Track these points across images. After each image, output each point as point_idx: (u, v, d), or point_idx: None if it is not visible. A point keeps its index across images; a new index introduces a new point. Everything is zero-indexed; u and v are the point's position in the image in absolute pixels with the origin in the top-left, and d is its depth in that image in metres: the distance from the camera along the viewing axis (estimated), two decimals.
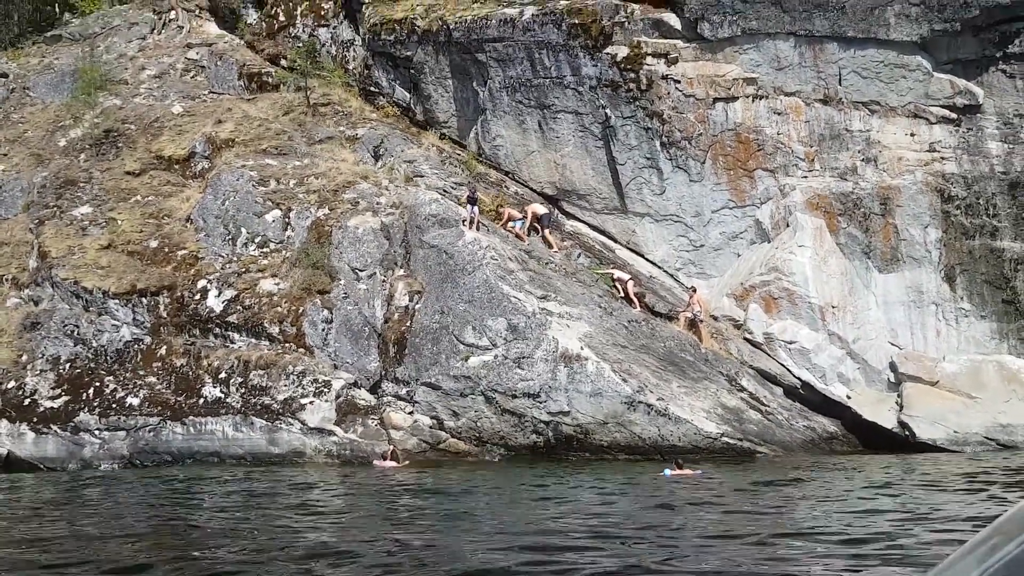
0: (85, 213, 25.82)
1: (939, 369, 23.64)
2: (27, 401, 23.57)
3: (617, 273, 24.64)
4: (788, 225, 24.49)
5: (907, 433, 22.86)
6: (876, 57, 23.93)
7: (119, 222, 25.37)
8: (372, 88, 28.49)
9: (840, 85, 24.28)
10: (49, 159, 27.32)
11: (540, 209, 25.28)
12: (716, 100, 24.69)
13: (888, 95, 24.12)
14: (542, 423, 21.61)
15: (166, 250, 25.07)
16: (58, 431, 23.19)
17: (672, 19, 25.01)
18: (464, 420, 22.05)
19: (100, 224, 25.55)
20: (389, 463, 20.82)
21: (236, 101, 28.32)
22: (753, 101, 24.64)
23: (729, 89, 24.64)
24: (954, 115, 23.96)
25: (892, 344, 24.18)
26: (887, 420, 23.41)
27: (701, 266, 25.52)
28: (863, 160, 24.27)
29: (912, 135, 24.11)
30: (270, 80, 28.96)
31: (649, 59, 24.78)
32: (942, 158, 23.89)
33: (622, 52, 24.99)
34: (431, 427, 22.30)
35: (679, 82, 24.77)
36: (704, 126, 24.75)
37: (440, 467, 20.44)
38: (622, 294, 24.18)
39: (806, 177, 24.59)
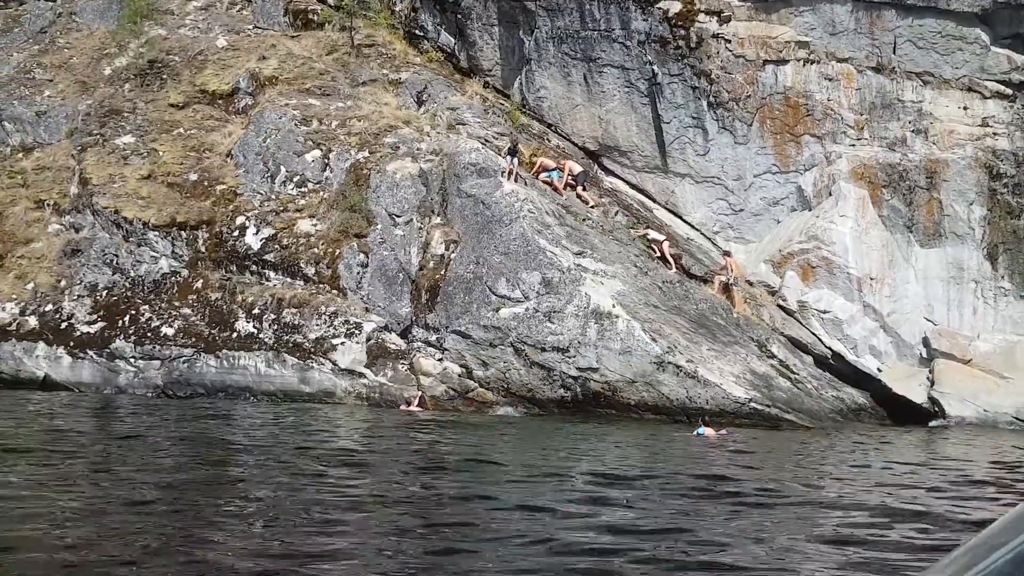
0: (128, 143, 25.94)
1: (973, 347, 23.46)
2: (64, 325, 23.94)
3: (652, 234, 24.52)
4: (831, 194, 24.21)
5: (936, 409, 22.80)
6: (934, 27, 23.41)
7: (160, 153, 25.48)
8: (417, 32, 28.25)
9: (894, 54, 23.81)
10: (94, 87, 27.40)
11: (576, 167, 25.10)
12: (766, 62, 24.30)
13: (943, 67, 23.63)
14: (570, 378, 21.68)
15: (205, 184, 25.18)
16: (94, 356, 23.56)
17: None
18: (493, 370, 22.16)
19: (142, 154, 25.68)
20: (415, 408, 21.03)
21: (280, 37, 28.18)
22: (804, 65, 24.23)
23: (780, 52, 24.23)
24: (1009, 91, 23.48)
25: (927, 320, 23.98)
26: (917, 395, 23.33)
27: (740, 230, 25.32)
28: (913, 131, 23.86)
29: (965, 109, 23.65)
30: (315, 18, 28.76)
31: (701, 16, 24.38)
32: (994, 134, 23.44)
33: (675, 7, 24.59)
34: (460, 375, 22.43)
35: (730, 42, 24.37)
36: (753, 88, 24.39)
37: (462, 421, 20.47)
38: (658, 254, 24.10)
39: (853, 145, 24.23)
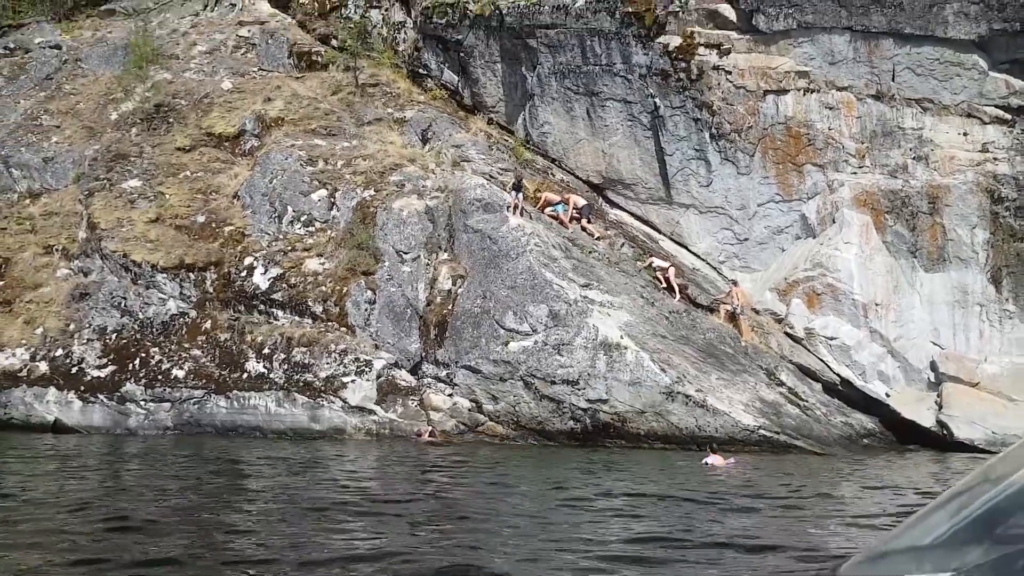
0: (134, 186, 26.15)
1: (980, 370, 23.55)
2: (74, 369, 23.99)
3: (656, 261, 24.68)
4: (834, 221, 24.39)
5: (945, 432, 22.84)
6: (932, 55, 23.72)
7: (167, 196, 25.68)
8: (421, 70, 28.61)
9: (893, 81, 24.10)
10: (101, 132, 27.66)
11: (580, 200, 25.29)
12: (767, 92, 24.59)
13: (942, 93, 23.91)
14: (580, 410, 21.75)
15: (213, 226, 25.35)
16: (104, 400, 23.59)
17: (727, 10, 24.89)
18: (503, 404, 22.22)
19: (149, 198, 25.87)
20: (427, 438, 21.16)
21: (285, 79, 28.52)
22: (804, 95, 24.51)
23: (780, 82, 24.52)
24: (1008, 116, 23.74)
25: (934, 344, 24.08)
26: (926, 419, 23.39)
27: (745, 259, 25.48)
28: (914, 158, 24.10)
29: (965, 134, 23.89)
30: (319, 59, 29.12)
31: (701, 49, 24.71)
32: (994, 159, 23.68)
33: (675, 42, 24.92)
34: (470, 410, 22.48)
35: (730, 73, 24.68)
36: (754, 119, 24.66)
37: (478, 450, 20.60)
38: (664, 284, 24.25)
39: (855, 173, 24.45)
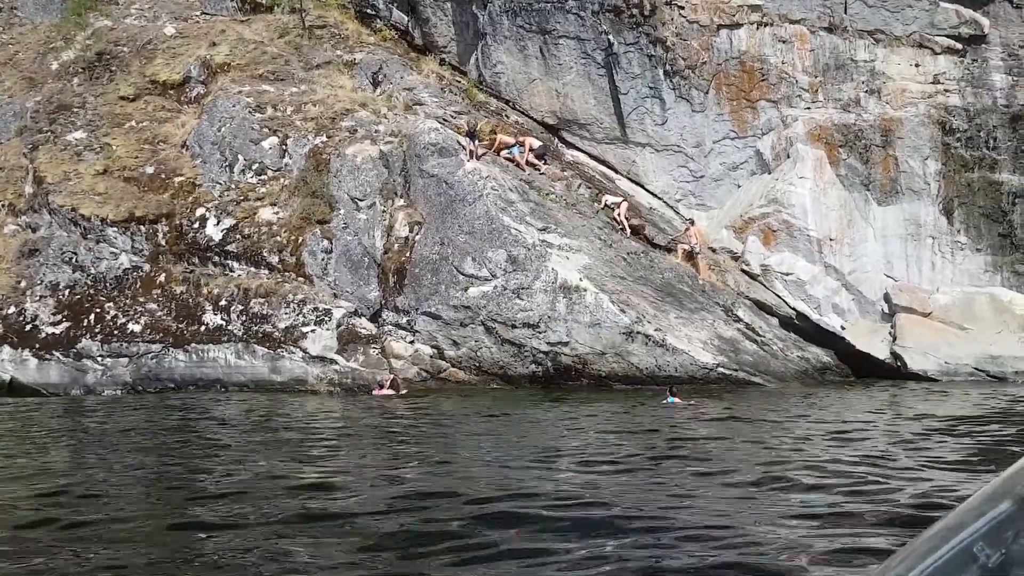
0: (80, 138, 25.52)
1: (932, 300, 23.93)
2: (28, 327, 23.67)
3: (608, 198, 24.63)
4: (789, 156, 24.45)
5: (899, 364, 23.28)
6: None
7: (114, 148, 25.11)
8: (369, 11, 27.95)
9: (846, 13, 24.00)
10: (42, 83, 26.86)
11: (535, 142, 25.08)
12: (720, 27, 24.38)
13: (893, 24, 23.88)
14: (541, 353, 21.87)
15: (163, 176, 24.88)
16: (60, 357, 23.34)
17: None
18: (464, 349, 22.28)
19: (95, 150, 25.29)
20: (388, 391, 21.06)
21: (230, 23, 27.77)
22: (758, 28, 24.35)
23: (734, 16, 24.32)
24: (959, 46, 23.79)
25: (888, 276, 24.42)
26: (880, 351, 23.79)
27: (701, 197, 25.52)
28: (867, 91, 24.14)
29: (916, 66, 23.95)
30: (264, 1, 28.35)
31: None
32: (946, 90, 23.79)
33: None
34: (431, 356, 22.53)
35: (683, 8, 24.41)
36: (708, 54, 24.48)
37: (441, 397, 20.62)
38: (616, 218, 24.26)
39: (809, 108, 24.46)
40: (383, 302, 23.09)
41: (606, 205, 24.53)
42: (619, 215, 24.24)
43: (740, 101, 24.73)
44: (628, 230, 24.16)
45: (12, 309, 23.85)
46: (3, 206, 25.11)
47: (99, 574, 5.67)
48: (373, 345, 22.54)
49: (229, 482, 8.98)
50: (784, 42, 24.33)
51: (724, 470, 9.16)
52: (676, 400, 17.74)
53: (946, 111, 23.83)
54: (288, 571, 5.54)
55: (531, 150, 24.74)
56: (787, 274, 24.11)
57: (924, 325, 23.71)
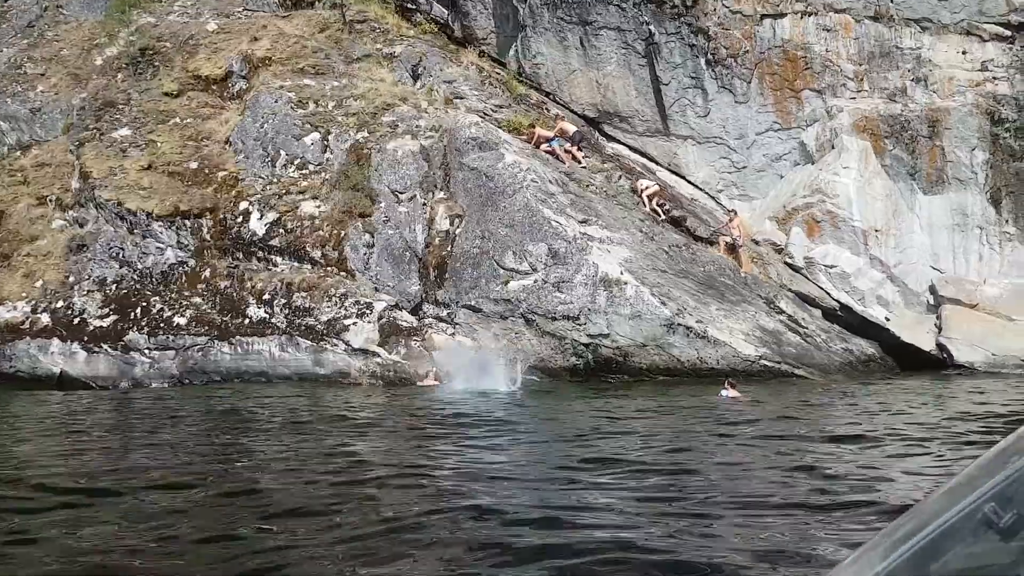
0: (125, 135, 25.85)
1: (979, 292, 23.59)
2: (76, 320, 24.06)
3: (643, 182, 24.49)
4: (833, 147, 24.17)
5: (945, 355, 22.98)
6: None
7: (159, 144, 25.42)
8: (409, 4, 28.00)
9: (891, 1, 23.61)
10: (87, 79, 27.23)
11: (570, 127, 25.03)
12: (764, 16, 24.12)
13: (940, 12, 23.46)
14: (582, 345, 21.86)
15: (206, 172, 25.16)
16: (109, 350, 23.71)
17: None
18: (504, 342, 22.32)
19: (140, 146, 25.61)
20: (431, 382, 21.24)
21: (271, 18, 27.95)
22: (802, 17, 24.05)
23: (778, 5, 24.06)
24: (1008, 32, 23.31)
25: (934, 268, 24.09)
26: (925, 342, 23.51)
27: (743, 188, 25.32)
28: (913, 80, 23.77)
29: (964, 53, 23.52)
30: None
31: None
32: (994, 78, 23.34)
33: None
34: (472, 349, 22.60)
35: None
36: (751, 43, 24.23)
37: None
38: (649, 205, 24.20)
39: (854, 98, 24.14)
40: (424, 295, 23.20)
41: (639, 189, 24.37)
42: (647, 198, 24.08)
43: (784, 91, 24.46)
44: (661, 215, 24.05)
45: (60, 303, 24.25)
46: (51, 201, 25.52)
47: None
48: (415, 337, 22.66)
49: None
50: (828, 31, 24.02)
51: None
52: (733, 393, 17.33)
53: (994, 100, 23.38)
54: None
55: (565, 135, 24.63)
56: (831, 266, 23.87)
57: (971, 317, 23.37)
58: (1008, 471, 1.74)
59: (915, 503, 1.97)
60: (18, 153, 26.75)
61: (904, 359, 23.67)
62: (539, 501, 7.78)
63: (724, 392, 17.40)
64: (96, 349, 23.75)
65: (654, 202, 24.22)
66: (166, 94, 26.22)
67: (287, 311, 23.18)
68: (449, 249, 23.23)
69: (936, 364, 23.14)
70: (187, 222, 24.46)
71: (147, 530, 7.01)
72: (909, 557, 1.75)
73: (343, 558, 6.01)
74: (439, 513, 7.22)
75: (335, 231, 23.69)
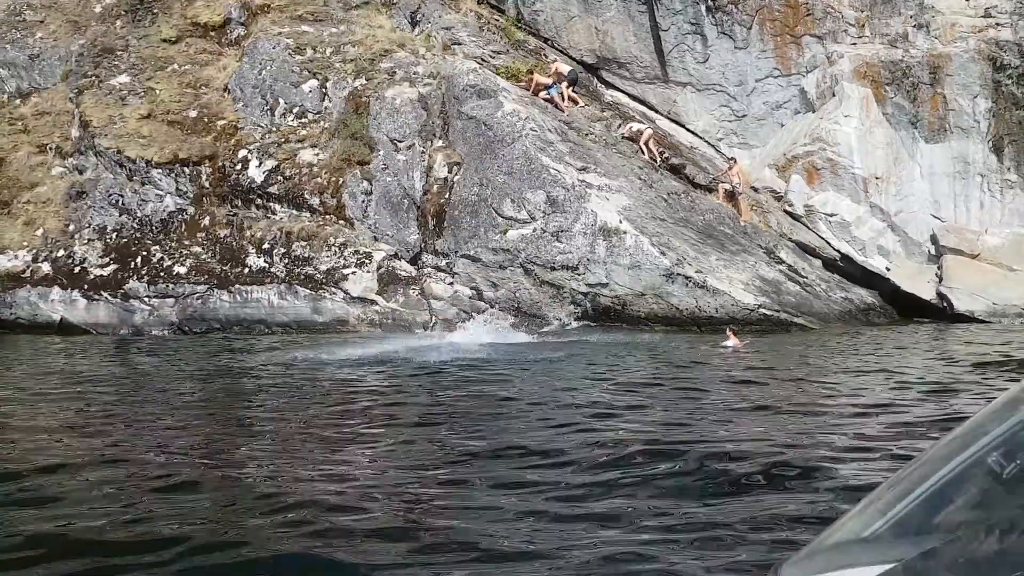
0: (124, 82, 25.77)
1: (981, 242, 23.48)
2: (77, 269, 24.18)
3: (635, 125, 24.32)
4: (834, 95, 23.95)
5: (945, 304, 22.95)
6: None
7: (157, 92, 25.34)
8: None
9: None
10: (85, 26, 27.07)
11: (564, 67, 24.86)
12: None
13: None
14: (581, 294, 21.90)
15: (205, 119, 25.09)
16: (109, 298, 23.84)
17: None
18: (503, 291, 22.37)
19: (139, 94, 25.54)
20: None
21: None
22: None
23: None
24: None
25: (935, 217, 23.96)
26: (926, 292, 23.48)
27: (743, 136, 25.16)
28: (915, 26, 23.48)
29: None
30: None
31: None
32: (997, 24, 23.05)
33: None
34: (471, 297, 22.67)
35: None
36: None
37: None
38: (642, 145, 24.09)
39: (855, 44, 23.87)
40: (423, 245, 23.22)
41: (633, 131, 24.18)
42: (644, 142, 23.95)
43: (784, 37, 24.21)
44: (657, 159, 23.93)
45: (61, 252, 24.36)
46: (51, 149, 25.54)
47: None
48: (413, 286, 22.73)
49: None
50: None
51: None
52: (734, 342, 17.27)
53: (997, 46, 23.09)
54: None
55: (560, 75, 24.45)
56: (831, 215, 23.78)
57: (972, 266, 23.29)
58: (1012, 422, 1.74)
59: (920, 452, 1.98)
60: (18, 101, 26.70)
61: (905, 308, 23.67)
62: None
63: (728, 343, 17.27)
64: (96, 297, 23.89)
65: (649, 147, 24.07)
66: (164, 40, 26.09)
67: (286, 260, 23.26)
68: (447, 197, 23.20)
69: (936, 313, 23.14)
70: (186, 169, 24.47)
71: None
72: (915, 507, 1.75)
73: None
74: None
75: (334, 179, 23.67)
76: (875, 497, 1.90)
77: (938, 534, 1.74)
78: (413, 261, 23.11)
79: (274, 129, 24.57)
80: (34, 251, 24.39)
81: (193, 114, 25.07)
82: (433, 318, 21.88)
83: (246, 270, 23.43)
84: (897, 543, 1.75)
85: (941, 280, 23.24)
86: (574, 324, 21.55)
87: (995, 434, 1.75)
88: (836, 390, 11.44)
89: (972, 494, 1.74)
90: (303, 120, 24.61)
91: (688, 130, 25.50)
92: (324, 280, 22.86)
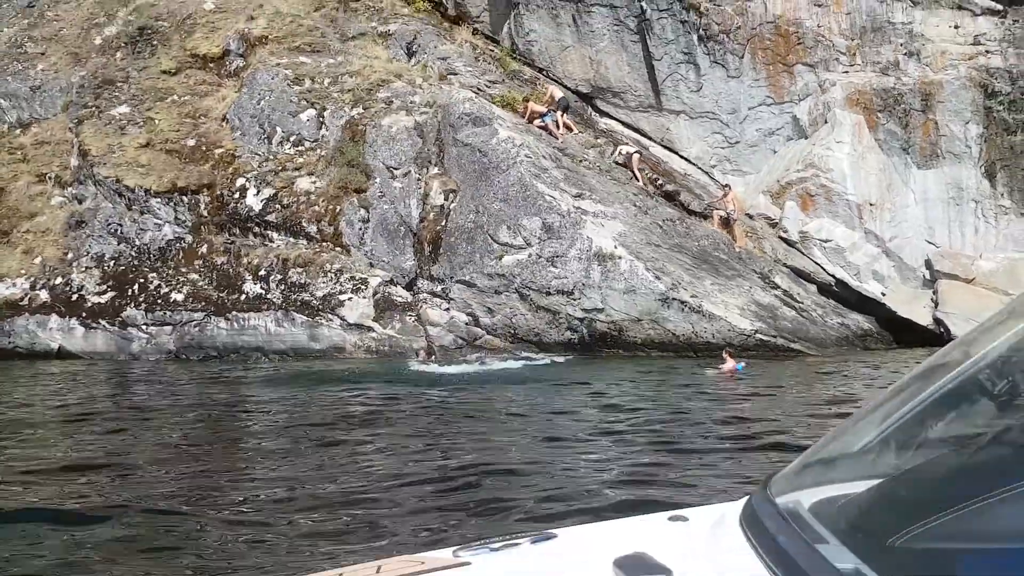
0: (123, 113, 26.03)
1: (975, 267, 23.55)
2: (75, 297, 24.26)
3: (624, 148, 24.47)
4: (826, 122, 24.16)
5: (942, 330, 22.94)
6: None
7: (156, 121, 25.58)
8: None
9: None
10: (86, 58, 27.41)
11: (557, 92, 25.13)
12: None
13: None
14: (576, 320, 21.91)
15: (204, 148, 25.30)
16: (106, 325, 23.89)
17: None
18: (499, 317, 22.40)
19: (138, 123, 25.78)
20: (432, 363, 21.11)
21: None
22: None
23: None
24: (999, 6, 23.28)
25: (929, 242, 24.07)
26: (922, 317, 23.48)
27: (736, 163, 25.34)
28: (905, 54, 23.75)
29: (956, 27, 23.49)
30: None
31: None
32: (986, 51, 23.31)
33: None
34: (467, 323, 22.69)
35: None
36: (742, 19, 24.25)
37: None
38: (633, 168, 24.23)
39: (847, 72, 24.13)
40: (418, 271, 23.30)
41: (622, 154, 24.34)
42: (630, 165, 24.10)
43: (776, 65, 24.48)
44: (641, 179, 24.08)
45: (59, 280, 24.45)
46: (51, 179, 25.74)
47: None
48: (409, 312, 22.76)
49: None
50: (819, 5, 24.02)
51: None
52: (730, 364, 17.26)
53: (987, 73, 23.35)
54: None
55: (553, 101, 24.66)
56: (826, 241, 23.87)
57: (967, 291, 23.33)
58: (1004, 341, 1.76)
59: (911, 369, 1.99)
60: (18, 131, 26.98)
61: (901, 334, 23.65)
62: None
63: (724, 366, 17.32)
64: (94, 325, 23.95)
65: (639, 168, 24.20)
66: (164, 72, 26.38)
67: (283, 287, 23.32)
68: (443, 224, 23.31)
69: (933, 339, 23.11)
70: (184, 198, 24.63)
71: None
72: (906, 422, 1.77)
73: None
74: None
75: (331, 207, 23.81)
76: (867, 411, 1.92)
77: (928, 448, 1.76)
78: (409, 287, 23.18)
79: (271, 157, 24.77)
80: (32, 279, 24.50)
81: (191, 143, 25.29)
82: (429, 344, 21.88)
83: (243, 296, 23.50)
84: (888, 457, 1.77)
85: (937, 305, 23.27)
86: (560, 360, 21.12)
87: (987, 352, 1.77)
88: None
89: (963, 410, 1.77)
90: (300, 148, 24.82)
91: (682, 157, 25.70)
92: (320, 306, 22.91)
